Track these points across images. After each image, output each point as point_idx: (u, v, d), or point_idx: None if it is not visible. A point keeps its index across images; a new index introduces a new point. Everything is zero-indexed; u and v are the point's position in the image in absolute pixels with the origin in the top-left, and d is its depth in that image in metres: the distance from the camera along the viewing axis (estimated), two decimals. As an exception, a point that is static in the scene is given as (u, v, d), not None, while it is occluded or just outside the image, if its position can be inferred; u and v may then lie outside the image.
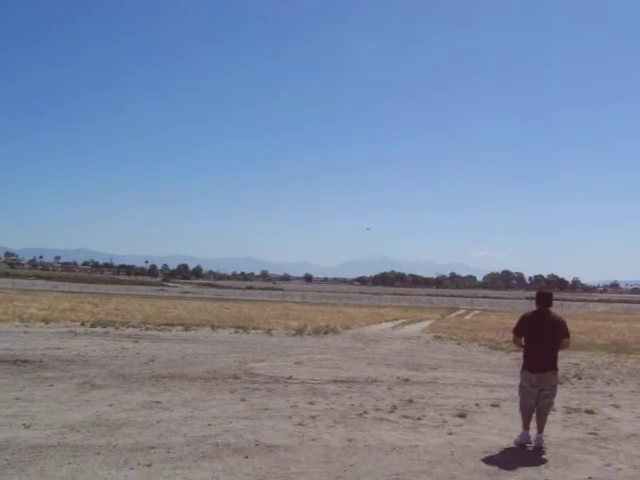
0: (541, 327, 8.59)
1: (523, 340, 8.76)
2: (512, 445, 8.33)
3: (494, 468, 7.25)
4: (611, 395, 12.74)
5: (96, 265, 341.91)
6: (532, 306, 9.10)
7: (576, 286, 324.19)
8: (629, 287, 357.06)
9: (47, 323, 24.48)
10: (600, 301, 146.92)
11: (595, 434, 9.19)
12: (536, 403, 8.53)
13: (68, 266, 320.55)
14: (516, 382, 13.71)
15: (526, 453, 8.01)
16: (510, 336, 9.72)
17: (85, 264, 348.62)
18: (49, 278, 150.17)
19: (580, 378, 14.73)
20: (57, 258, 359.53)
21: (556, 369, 8.68)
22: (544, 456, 7.86)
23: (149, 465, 6.78)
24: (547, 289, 9.43)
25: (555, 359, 8.63)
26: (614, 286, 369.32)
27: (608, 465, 7.55)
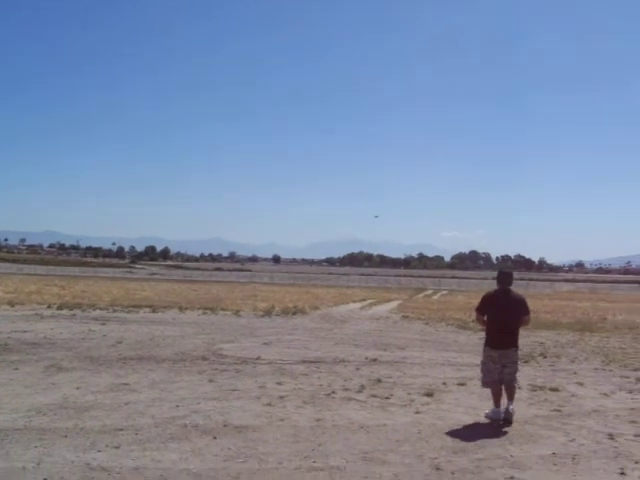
0: (503, 305, 8.81)
1: (485, 318, 8.92)
2: (479, 422, 8.45)
3: (461, 445, 7.34)
4: (575, 373, 12.94)
5: (63, 247, 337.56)
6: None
7: (542, 266, 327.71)
8: (594, 267, 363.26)
9: (13, 306, 24.22)
10: (565, 281, 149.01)
11: (559, 411, 9.35)
12: (501, 380, 8.72)
13: (34, 249, 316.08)
14: (483, 361, 13.97)
15: (492, 430, 8.11)
16: (474, 315, 9.86)
17: (51, 246, 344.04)
18: (14, 261, 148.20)
19: (545, 357, 14.93)
20: (22, 241, 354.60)
21: (517, 346, 8.90)
22: (510, 433, 7.98)
23: (117, 447, 6.77)
24: (507, 269, 9.63)
25: (516, 336, 8.87)
26: (579, 266, 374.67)
27: (571, 440, 7.69)
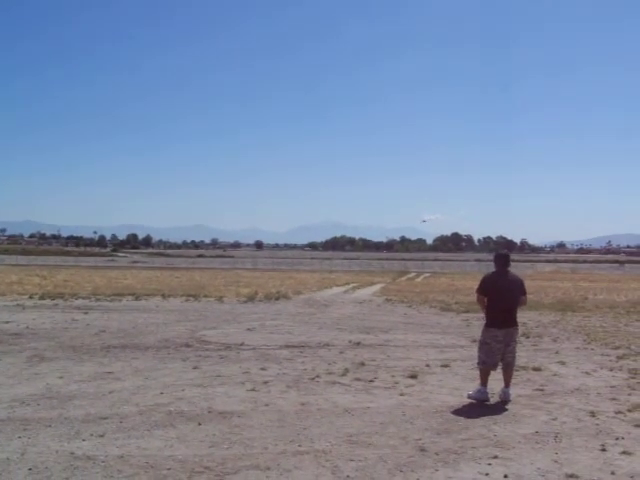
0: (503, 286, 8.96)
1: (486, 300, 9.02)
2: (463, 403, 8.51)
3: (445, 426, 7.40)
4: (557, 352, 13.06)
5: (43, 237, 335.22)
6: (481, 267, 9.33)
7: (524, 247, 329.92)
8: (575, 247, 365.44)
9: (-6, 297, 24.03)
10: (547, 261, 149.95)
11: (542, 390, 9.44)
12: (502, 359, 8.88)
13: (14, 238, 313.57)
14: (466, 342, 14.11)
15: (476, 410, 8.18)
16: (462, 297, 9.94)
17: (32, 236, 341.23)
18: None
19: (528, 337, 15.04)
20: (2, 231, 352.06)
21: (518, 324, 9.17)
22: (493, 413, 8.05)
23: (102, 436, 6.75)
24: (504, 251, 9.78)
25: (516, 315, 9.09)
26: (560, 247, 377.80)
27: (554, 419, 7.77)
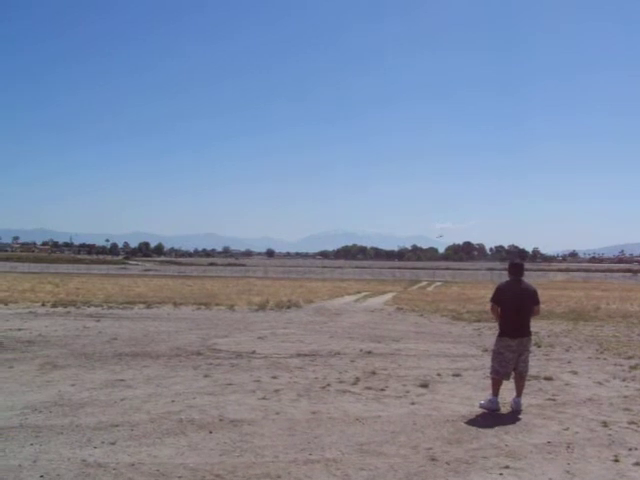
0: (517, 295, 8.96)
1: (499, 309, 9.01)
2: (474, 413, 8.48)
3: (456, 436, 7.38)
4: (569, 362, 13.00)
5: (56, 245, 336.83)
6: (493, 276, 9.31)
7: (536, 256, 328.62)
8: (587, 256, 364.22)
9: (6, 304, 24.14)
10: (559, 270, 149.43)
11: (554, 400, 9.40)
12: (515, 368, 8.87)
13: (27, 246, 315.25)
14: (477, 352, 14.06)
15: (487, 420, 8.15)
16: (474, 306, 9.93)
17: (45, 244, 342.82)
18: (7, 259, 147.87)
19: (540, 346, 14.97)
20: (15, 239, 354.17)
21: (531, 334, 9.17)
22: (504, 422, 8.02)
23: (113, 443, 6.77)
24: (518, 260, 9.79)
25: (529, 325, 9.09)
26: (573, 256, 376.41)
27: (566, 429, 7.74)
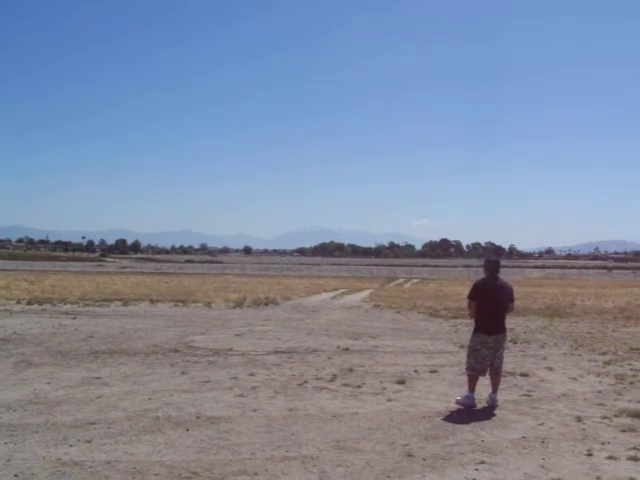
0: (493, 292, 9.03)
1: (476, 305, 9.07)
2: (450, 409, 8.53)
3: (432, 432, 7.42)
4: (545, 358, 13.12)
5: (31, 242, 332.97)
6: (470, 273, 9.39)
7: (512, 253, 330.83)
8: (563, 253, 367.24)
9: (-19, 302, 23.90)
10: (535, 267, 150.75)
11: (529, 395, 9.48)
12: (491, 365, 8.94)
13: (2, 243, 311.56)
14: (454, 348, 14.14)
15: (463, 416, 8.20)
16: (451, 303, 9.99)
17: (20, 241, 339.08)
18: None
19: (515, 342, 15.09)
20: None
21: (506, 330, 9.25)
22: (480, 418, 8.08)
23: (89, 441, 6.74)
24: (495, 257, 9.86)
25: (505, 321, 9.17)
26: (549, 252, 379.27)
27: (541, 424, 7.81)
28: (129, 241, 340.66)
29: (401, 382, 10.25)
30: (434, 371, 11.35)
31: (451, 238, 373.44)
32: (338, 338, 15.68)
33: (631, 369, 11.90)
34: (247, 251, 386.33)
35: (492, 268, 9.19)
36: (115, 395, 8.95)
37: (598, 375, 11.26)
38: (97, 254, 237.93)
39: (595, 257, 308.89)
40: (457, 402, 8.77)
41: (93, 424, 7.39)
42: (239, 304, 25.24)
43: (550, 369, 11.81)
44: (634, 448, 6.80)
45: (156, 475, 5.79)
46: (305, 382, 10.15)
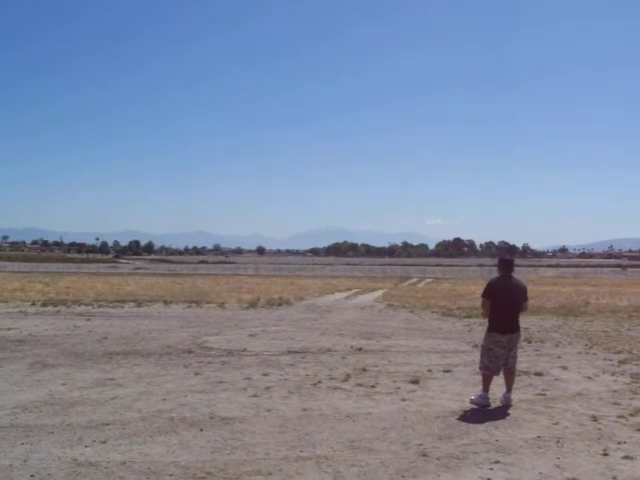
0: (507, 291, 9.00)
1: (490, 304, 9.04)
2: (464, 409, 8.51)
3: (446, 431, 7.40)
4: (559, 357, 13.06)
5: (46, 244, 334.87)
6: (483, 272, 9.36)
7: (526, 252, 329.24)
8: (577, 252, 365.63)
9: (-4, 304, 24.05)
10: (549, 266, 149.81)
11: (544, 395, 9.44)
12: (505, 364, 8.91)
13: (17, 245, 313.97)
14: (468, 348, 14.10)
15: (477, 415, 8.18)
16: (464, 302, 9.97)
17: (34, 243, 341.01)
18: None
19: (530, 342, 15.02)
20: (5, 238, 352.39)
21: (520, 329, 9.20)
22: (494, 418, 8.05)
23: (104, 442, 6.76)
24: (508, 256, 9.82)
25: (519, 321, 9.11)
26: (563, 251, 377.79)
27: (556, 424, 7.77)
28: (142, 242, 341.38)
29: (415, 382, 10.23)
30: (448, 371, 11.32)
31: (464, 237, 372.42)
32: (351, 338, 15.67)
33: (646, 368, 11.83)
34: (260, 251, 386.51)
35: (506, 267, 9.16)
36: (129, 396, 8.98)
37: (613, 374, 11.20)
38: (111, 255, 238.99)
39: (609, 255, 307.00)
40: (471, 401, 8.75)
41: (108, 425, 7.42)
42: (252, 304, 25.28)
43: (565, 368, 11.75)
44: (650, 447, 6.76)
45: (170, 475, 5.81)
46: (319, 382, 10.15)
